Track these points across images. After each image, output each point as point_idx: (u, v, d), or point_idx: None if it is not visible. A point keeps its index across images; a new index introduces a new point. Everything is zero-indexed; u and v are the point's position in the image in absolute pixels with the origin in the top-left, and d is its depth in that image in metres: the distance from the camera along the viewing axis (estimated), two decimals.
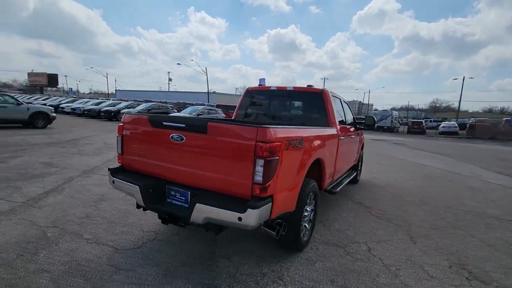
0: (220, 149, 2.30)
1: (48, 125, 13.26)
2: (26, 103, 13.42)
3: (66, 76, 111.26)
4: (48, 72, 68.31)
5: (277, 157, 2.20)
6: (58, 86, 76.00)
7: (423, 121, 33.92)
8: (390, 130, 30.10)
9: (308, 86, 4.29)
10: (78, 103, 24.44)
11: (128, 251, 2.88)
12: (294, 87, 4.32)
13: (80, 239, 3.05)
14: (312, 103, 4.16)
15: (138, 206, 2.78)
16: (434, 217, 4.56)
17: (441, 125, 31.63)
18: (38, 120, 12.78)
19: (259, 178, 2.13)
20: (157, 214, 2.77)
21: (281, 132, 2.30)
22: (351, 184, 6.26)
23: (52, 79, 67.34)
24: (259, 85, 4.85)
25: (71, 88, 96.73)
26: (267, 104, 4.50)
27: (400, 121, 40.21)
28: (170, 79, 66.90)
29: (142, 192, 2.56)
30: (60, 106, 24.10)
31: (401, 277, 2.75)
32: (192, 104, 23.14)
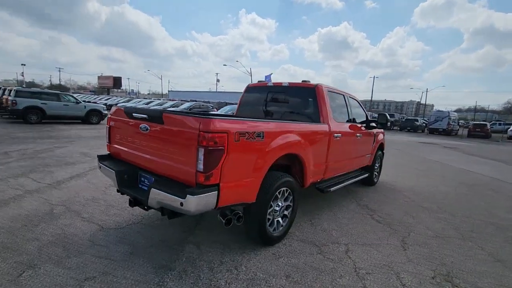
0: (173, 138, 2.45)
1: (101, 121, 14.90)
2: (84, 101, 15.27)
3: (128, 78, 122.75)
4: (114, 75, 76.06)
5: (222, 148, 2.27)
6: (121, 88, 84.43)
7: (488, 123, 29.92)
8: (447, 133, 27.21)
9: (303, 81, 4.21)
10: (132, 103, 26.94)
11: (111, 230, 3.19)
12: (289, 83, 4.28)
13: (77, 217, 3.47)
14: (305, 99, 4.08)
15: (118, 190, 3.07)
16: (444, 225, 4.11)
17: (510, 129, 27.59)
18: (93, 116, 14.47)
19: (200, 166, 2.22)
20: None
21: (228, 123, 2.36)
22: (365, 186, 5.93)
23: (117, 81, 74.98)
24: (264, 80, 4.89)
25: (133, 90, 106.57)
26: (264, 100, 4.52)
27: (460, 123, 36.14)
28: (218, 80, 69.60)
29: (117, 176, 2.83)
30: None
31: (366, 281, 2.59)
32: (231, 104, 23.80)
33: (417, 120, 31.98)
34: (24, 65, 79.80)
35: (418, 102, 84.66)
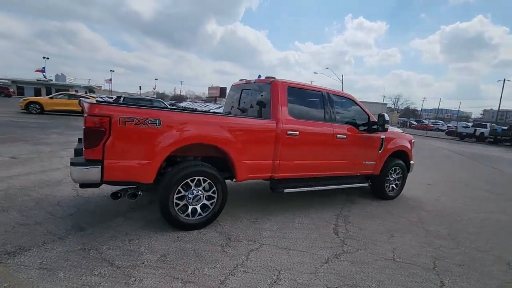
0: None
1: None
2: (170, 106, 18.07)
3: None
4: (220, 86, 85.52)
5: (103, 129, 2.66)
6: (226, 97, 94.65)
7: None
8: None
9: (267, 77, 4.13)
10: (214, 108, 30.34)
11: (70, 201, 3.99)
12: (255, 80, 4.28)
13: (66, 186, 4.42)
14: (264, 95, 4.00)
15: None
16: (416, 240, 3.28)
17: None
18: None
19: (84, 143, 2.67)
20: None
21: (113, 109, 2.73)
22: (376, 199, 5.15)
23: (223, 91, 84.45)
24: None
25: None
26: (239, 97, 4.64)
27: None
28: None
29: (75, 153, 3.56)
30: (211, 110, 30.58)
31: (232, 277, 2.47)
32: None
33: None
34: (157, 79, 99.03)
35: None
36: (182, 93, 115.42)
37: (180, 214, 3.18)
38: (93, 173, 2.71)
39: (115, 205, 3.81)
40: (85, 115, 2.66)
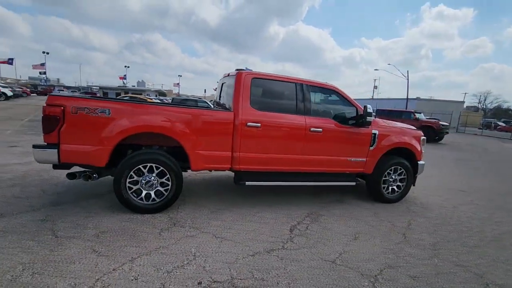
0: None
1: None
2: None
3: None
4: None
5: (58, 117, 3.06)
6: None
7: None
8: None
9: (236, 70, 4.11)
10: None
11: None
12: (229, 73, 4.31)
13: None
14: (232, 87, 4.01)
15: None
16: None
17: None
18: None
19: (43, 129, 3.11)
20: None
21: (66, 100, 3.12)
22: (372, 201, 4.68)
23: None
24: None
25: None
26: (220, 90, 4.73)
27: None
28: (375, 87, 64.65)
29: None
30: None
31: (134, 266, 2.60)
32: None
33: None
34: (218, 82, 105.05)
35: None
36: None
37: (132, 197, 3.43)
38: (51, 155, 3.14)
39: (98, 188, 4.29)
40: (44, 105, 3.10)
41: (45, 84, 53.47)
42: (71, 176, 3.37)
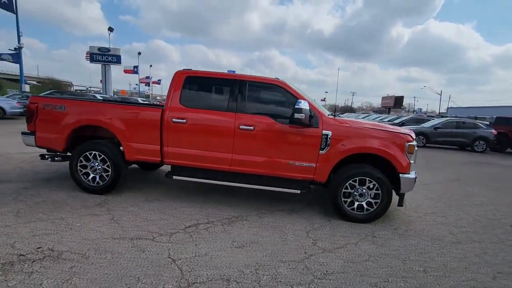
0: None
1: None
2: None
3: (414, 97, 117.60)
4: (397, 95, 76.87)
5: (34, 112, 4.12)
6: (402, 107, 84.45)
7: None
8: None
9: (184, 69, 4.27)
10: (361, 119, 27.82)
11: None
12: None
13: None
14: None
15: None
16: None
17: None
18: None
19: (26, 120, 4.23)
20: None
21: (38, 99, 4.16)
22: (331, 216, 3.94)
23: (398, 101, 75.96)
24: None
25: (421, 108, 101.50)
26: None
27: None
28: None
29: None
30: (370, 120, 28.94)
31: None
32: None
33: None
34: (327, 92, 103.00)
35: None
36: (353, 105, 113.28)
37: (83, 179, 4.15)
38: (31, 140, 4.22)
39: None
40: (27, 103, 4.23)
41: None
42: (42, 157, 4.40)
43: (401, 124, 18.73)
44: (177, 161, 4.01)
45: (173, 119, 3.87)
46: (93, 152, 4.08)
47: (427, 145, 14.08)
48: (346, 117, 38.67)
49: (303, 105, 3.48)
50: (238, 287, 2.32)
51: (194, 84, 4.04)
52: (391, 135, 3.75)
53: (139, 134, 4.01)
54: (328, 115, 3.93)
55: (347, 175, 3.73)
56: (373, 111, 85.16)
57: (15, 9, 19.42)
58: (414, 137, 3.88)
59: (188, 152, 3.94)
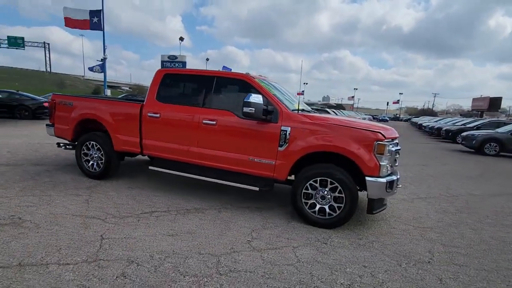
0: None
1: None
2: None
3: None
4: (491, 96, 65.67)
5: (53, 107, 4.96)
6: (499, 110, 71.54)
7: None
8: None
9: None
10: (434, 122, 24.28)
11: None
12: None
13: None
14: None
15: None
16: None
17: None
18: None
19: (49, 115, 5.10)
20: None
21: (56, 97, 4.95)
22: (291, 218, 3.73)
23: (494, 103, 64.55)
24: None
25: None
26: None
27: None
28: None
29: None
30: (423, 124, 25.53)
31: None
32: None
33: None
34: (401, 93, 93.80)
35: None
36: (435, 107, 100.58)
37: (85, 165, 4.81)
38: (52, 131, 5.09)
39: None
40: (48, 101, 5.11)
41: None
42: (57, 145, 5.23)
43: (476, 128, 15.91)
44: (153, 152, 4.32)
45: (148, 114, 4.20)
46: (91, 142, 4.69)
47: (500, 153, 11.65)
48: (420, 120, 34.33)
49: (253, 98, 3.37)
50: (135, 269, 2.42)
51: (171, 81, 4.30)
52: (357, 132, 3.33)
53: (124, 127, 4.45)
54: (292, 110, 3.70)
55: (307, 175, 3.46)
56: (460, 115, 73.96)
57: (102, 27, 23.19)
58: (389, 135, 3.37)
59: (161, 144, 4.21)
